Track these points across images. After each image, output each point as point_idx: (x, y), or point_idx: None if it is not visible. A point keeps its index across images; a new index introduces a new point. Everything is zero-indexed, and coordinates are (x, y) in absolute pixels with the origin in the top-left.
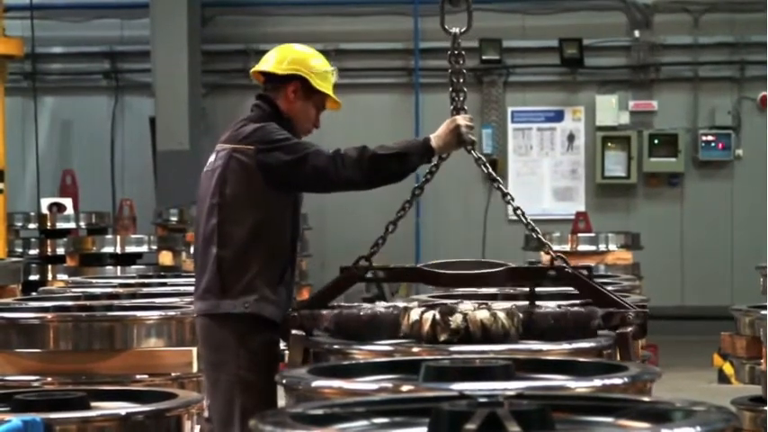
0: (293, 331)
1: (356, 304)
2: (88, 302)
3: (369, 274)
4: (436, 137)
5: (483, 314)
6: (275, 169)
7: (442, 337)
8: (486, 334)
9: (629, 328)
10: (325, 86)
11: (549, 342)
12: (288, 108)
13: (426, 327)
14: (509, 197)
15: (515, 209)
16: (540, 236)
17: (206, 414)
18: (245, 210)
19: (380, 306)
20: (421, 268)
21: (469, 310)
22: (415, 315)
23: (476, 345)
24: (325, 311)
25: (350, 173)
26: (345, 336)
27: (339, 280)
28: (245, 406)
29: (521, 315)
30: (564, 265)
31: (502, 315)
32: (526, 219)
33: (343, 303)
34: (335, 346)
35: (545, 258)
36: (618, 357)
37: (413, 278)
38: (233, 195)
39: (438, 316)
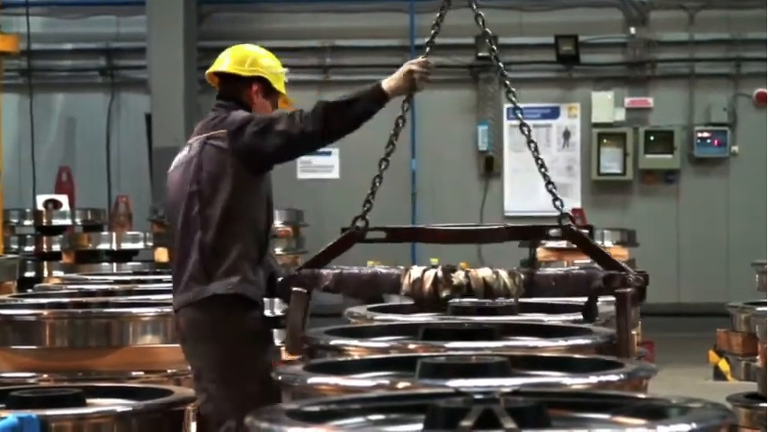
0: (295, 288)
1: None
2: (84, 299)
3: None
4: (389, 80)
5: (485, 272)
6: (248, 144)
7: (444, 294)
8: (489, 291)
9: (629, 290)
10: (282, 87)
11: (545, 339)
12: (251, 107)
13: (428, 284)
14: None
15: (530, 141)
16: (553, 188)
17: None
18: (222, 193)
19: (381, 267)
20: (420, 227)
21: (471, 269)
22: (416, 273)
23: (479, 299)
24: (325, 271)
25: (306, 125)
26: (346, 294)
27: (339, 240)
28: (230, 395)
29: (522, 275)
30: (569, 223)
31: (504, 274)
32: (540, 160)
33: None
34: (332, 343)
35: (542, 255)
36: (616, 319)
37: (412, 237)
38: (210, 180)
39: (440, 273)
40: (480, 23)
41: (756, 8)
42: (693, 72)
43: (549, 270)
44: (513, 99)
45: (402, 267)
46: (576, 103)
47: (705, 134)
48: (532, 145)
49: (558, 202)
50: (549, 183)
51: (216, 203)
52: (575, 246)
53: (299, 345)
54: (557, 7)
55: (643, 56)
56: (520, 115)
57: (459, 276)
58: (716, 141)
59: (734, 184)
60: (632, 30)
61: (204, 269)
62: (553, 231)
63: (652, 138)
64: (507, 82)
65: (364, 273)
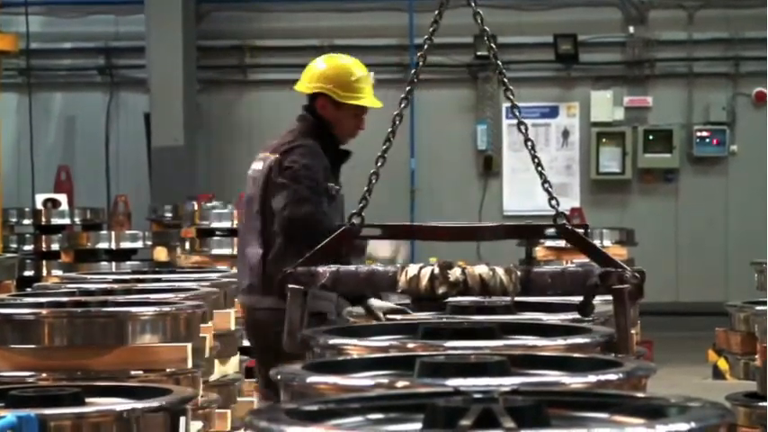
0: (291, 285)
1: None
2: (83, 298)
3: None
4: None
5: (482, 269)
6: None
7: (441, 291)
8: (485, 288)
9: (627, 286)
10: (351, 96)
11: (544, 338)
12: (325, 117)
13: (424, 281)
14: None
15: (527, 140)
16: (549, 187)
17: None
18: (278, 217)
19: (378, 265)
20: (416, 224)
21: (468, 266)
22: (412, 270)
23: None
24: (322, 269)
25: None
26: (343, 292)
27: (335, 237)
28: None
29: (519, 273)
30: (564, 221)
31: (500, 271)
32: (536, 158)
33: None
34: (330, 342)
35: (540, 254)
36: (614, 316)
37: (408, 234)
38: (269, 204)
39: (437, 270)
40: (479, 21)
41: (755, 7)
42: (692, 71)
43: (546, 267)
44: (512, 97)
45: (399, 265)
46: (575, 102)
47: (704, 133)
48: (529, 143)
49: (553, 201)
50: (545, 182)
51: (274, 226)
52: (572, 245)
53: (298, 343)
54: (555, 6)
55: (642, 55)
56: (518, 113)
57: (455, 273)
58: (715, 140)
59: (733, 183)
60: (631, 29)
61: (262, 283)
62: (549, 230)
63: (651, 137)
64: (505, 80)
65: (361, 270)
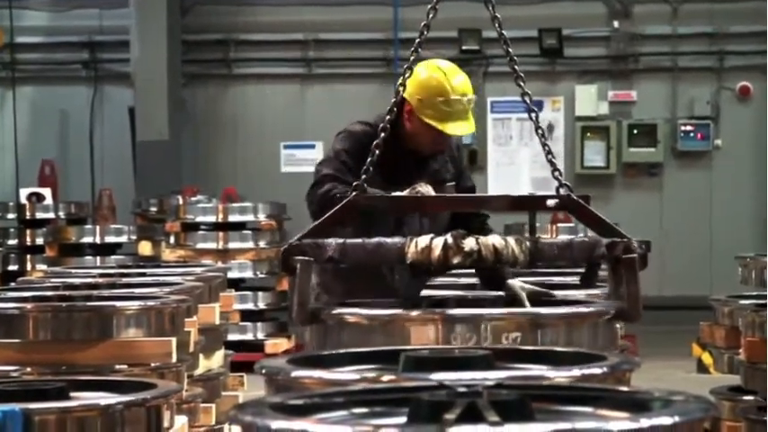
0: (301, 258)
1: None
2: (67, 292)
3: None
4: None
5: (495, 239)
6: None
7: (455, 261)
8: (498, 258)
9: (635, 255)
10: (429, 116)
11: (551, 307)
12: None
13: (437, 251)
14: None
15: (537, 127)
16: (552, 158)
17: None
18: None
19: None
20: (422, 196)
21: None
22: (423, 241)
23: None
24: (328, 241)
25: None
26: (350, 264)
27: (338, 209)
28: None
29: (528, 243)
30: (569, 192)
31: (512, 241)
32: (541, 129)
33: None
34: (337, 311)
35: None
36: (624, 285)
37: (414, 206)
38: None
39: (450, 240)
40: (490, 9)
41: (739, 1)
42: (677, 65)
43: (553, 238)
44: (522, 84)
45: (407, 237)
46: (560, 96)
47: (688, 127)
48: (533, 115)
49: (556, 173)
50: (549, 153)
51: None
52: (575, 216)
53: (308, 316)
54: (540, 0)
55: (626, 49)
56: (528, 101)
57: (470, 243)
58: (699, 135)
59: (717, 177)
60: (616, 23)
61: None
62: (552, 201)
63: (635, 131)
64: (516, 67)
65: (368, 243)
